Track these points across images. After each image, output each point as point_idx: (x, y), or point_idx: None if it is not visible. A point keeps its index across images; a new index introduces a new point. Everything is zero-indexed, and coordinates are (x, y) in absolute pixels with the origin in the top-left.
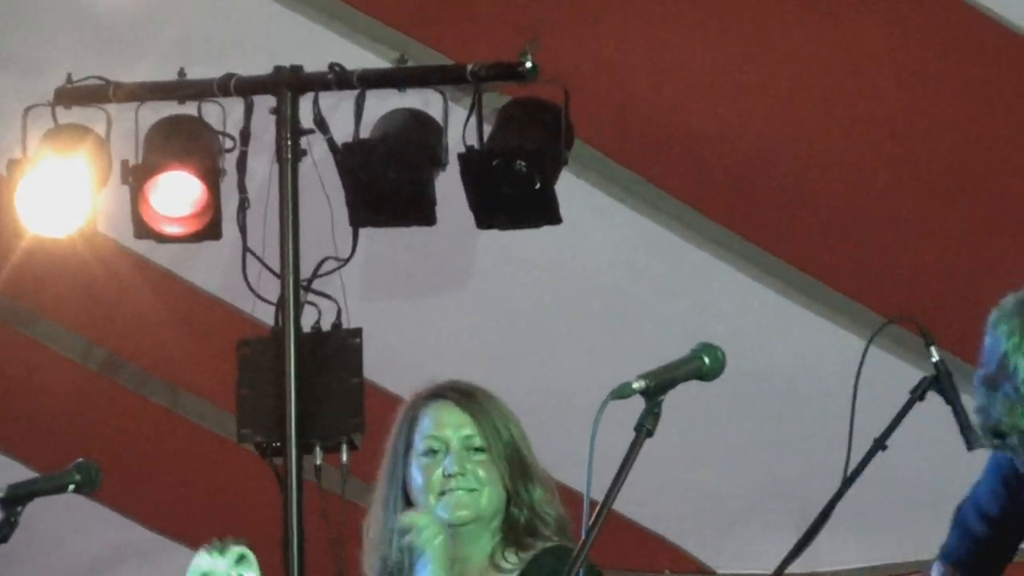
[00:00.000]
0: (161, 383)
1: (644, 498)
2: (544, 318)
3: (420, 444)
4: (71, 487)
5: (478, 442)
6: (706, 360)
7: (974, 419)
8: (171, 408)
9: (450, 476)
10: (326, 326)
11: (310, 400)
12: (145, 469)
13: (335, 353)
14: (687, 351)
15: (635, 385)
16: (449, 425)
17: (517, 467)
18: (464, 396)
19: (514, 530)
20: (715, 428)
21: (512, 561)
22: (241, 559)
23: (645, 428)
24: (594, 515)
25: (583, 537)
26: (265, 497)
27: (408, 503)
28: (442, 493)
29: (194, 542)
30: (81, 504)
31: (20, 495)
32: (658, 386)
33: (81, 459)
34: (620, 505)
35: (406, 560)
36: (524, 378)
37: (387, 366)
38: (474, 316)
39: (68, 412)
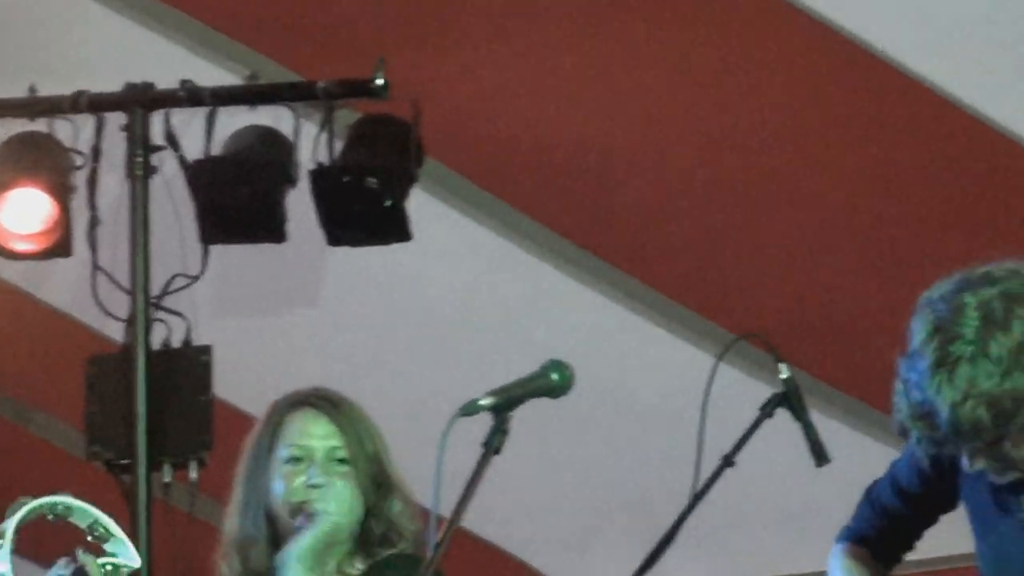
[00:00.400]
0: (9, 400)
1: (494, 515)
2: (395, 335)
3: (283, 451)
4: None
5: (342, 454)
6: (554, 377)
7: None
8: (19, 424)
9: (312, 487)
10: (176, 343)
11: (159, 417)
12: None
13: (185, 370)
14: (537, 368)
15: (483, 402)
16: (315, 435)
17: (379, 479)
18: (332, 406)
19: (368, 541)
20: (565, 445)
21: (358, 567)
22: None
23: (493, 445)
24: (442, 531)
25: (430, 554)
26: (114, 514)
27: (267, 508)
28: (303, 503)
29: (44, 559)
30: None
31: None
32: (506, 403)
33: None
34: (469, 522)
35: (252, 565)
36: (375, 395)
37: (237, 384)
38: (325, 333)
39: None
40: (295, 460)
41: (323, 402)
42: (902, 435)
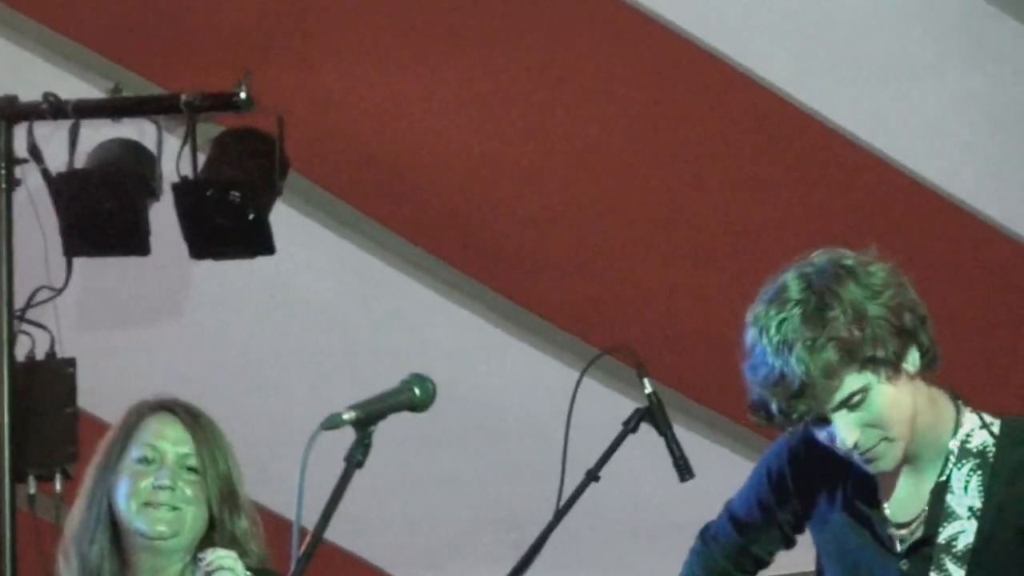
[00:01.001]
0: None
1: (361, 529)
2: (260, 348)
3: (135, 451)
4: None
5: (194, 462)
6: (416, 391)
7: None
8: None
9: (159, 488)
10: (40, 355)
11: (24, 429)
12: None
13: (49, 383)
14: (398, 382)
15: (345, 416)
16: (169, 439)
17: (227, 496)
18: (189, 415)
19: None
20: (431, 458)
21: None
22: None
23: (355, 459)
24: (305, 544)
25: (292, 567)
26: None
27: (111, 506)
28: (147, 504)
29: None
30: None
31: None
32: (368, 417)
33: None
34: (337, 536)
35: (107, 565)
36: (239, 408)
37: (102, 396)
38: (190, 345)
39: None
40: (145, 461)
41: (181, 410)
42: (764, 424)
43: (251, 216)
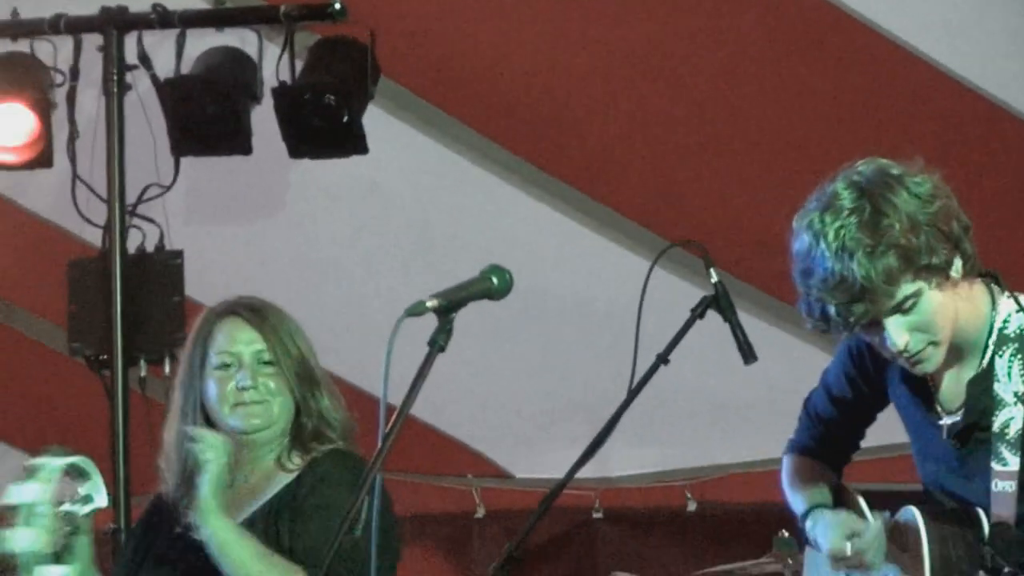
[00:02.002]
0: (5, 302)
1: (447, 408)
2: (352, 241)
3: (214, 358)
4: None
5: (268, 356)
6: (495, 280)
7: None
8: (6, 323)
9: (243, 389)
10: (150, 248)
11: (135, 317)
12: None
13: (158, 273)
14: (485, 271)
15: (428, 304)
16: (241, 341)
17: (305, 378)
18: (255, 313)
19: (301, 435)
20: (512, 344)
21: (296, 463)
22: (79, 474)
23: (438, 343)
24: (391, 421)
25: (379, 443)
26: (94, 406)
27: (204, 412)
28: (236, 405)
29: (29, 446)
30: None
31: None
32: (449, 305)
33: None
34: (425, 414)
35: (189, 464)
36: (332, 296)
37: (207, 285)
38: (288, 239)
39: None
40: (225, 366)
41: (247, 311)
42: (819, 326)
43: (345, 118)
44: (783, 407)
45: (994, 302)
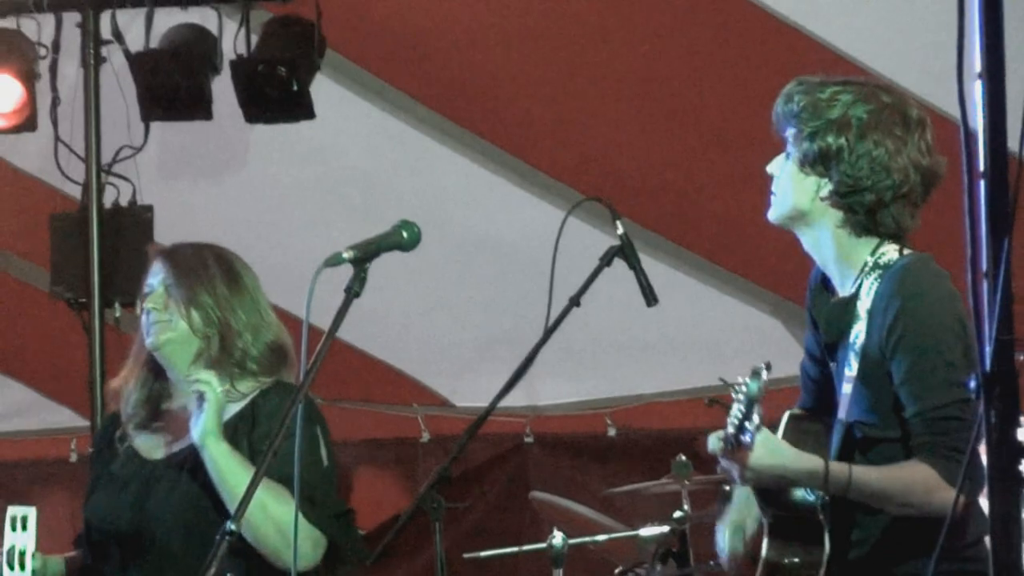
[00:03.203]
0: None
1: (395, 344)
2: (304, 198)
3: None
4: None
5: (172, 289)
6: (404, 234)
7: None
8: (7, 268)
9: (146, 311)
10: (123, 203)
11: (110, 264)
12: None
13: (131, 226)
14: (396, 226)
15: (344, 255)
16: (153, 274)
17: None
18: (168, 254)
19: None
20: (450, 287)
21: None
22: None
23: (354, 290)
24: (314, 354)
25: (302, 377)
26: (74, 341)
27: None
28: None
29: (19, 374)
30: None
31: None
32: (364, 255)
33: None
34: (375, 349)
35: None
36: (286, 247)
37: (175, 236)
38: (247, 195)
39: None
40: (145, 295)
41: (163, 249)
42: None
43: (294, 88)
44: (685, 343)
45: (878, 248)
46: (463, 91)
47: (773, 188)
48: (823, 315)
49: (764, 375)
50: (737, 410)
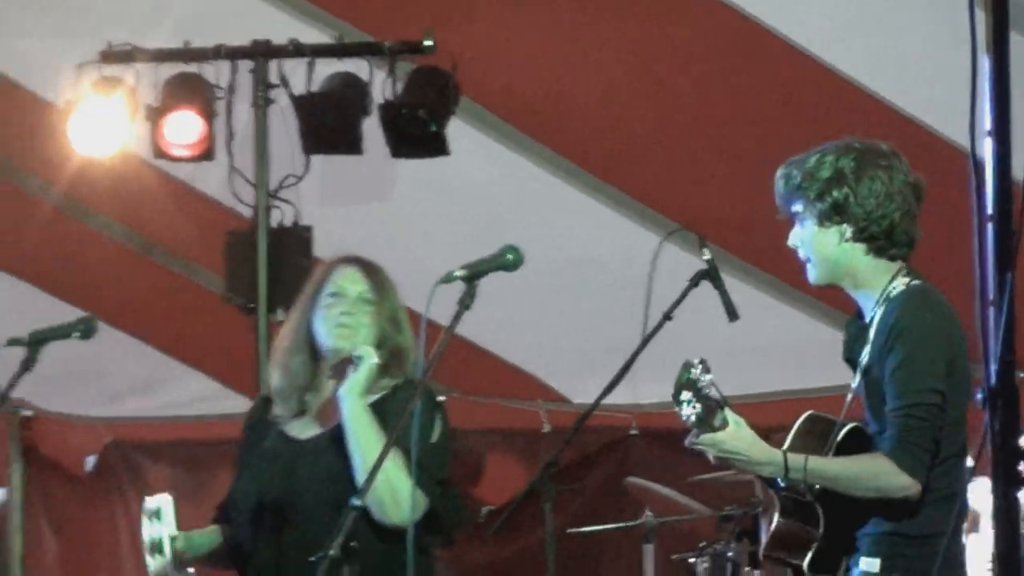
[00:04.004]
0: (179, 259)
1: (522, 348)
2: (438, 221)
3: (329, 289)
4: (75, 335)
5: (368, 297)
6: (509, 257)
7: None
8: (191, 277)
9: (343, 314)
10: (287, 223)
11: (275, 275)
12: (168, 317)
13: (293, 243)
14: (502, 249)
15: (457, 273)
16: (350, 280)
17: (392, 321)
18: (366, 265)
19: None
20: (564, 301)
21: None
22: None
23: (465, 303)
24: (431, 355)
25: (422, 376)
26: (244, 340)
27: (309, 333)
28: (336, 327)
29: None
30: (119, 341)
31: (38, 339)
32: (474, 274)
33: (85, 314)
34: (505, 353)
35: (303, 371)
36: (422, 262)
37: (329, 251)
38: (392, 218)
39: (115, 280)
40: (334, 296)
41: (360, 262)
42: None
43: (433, 128)
44: (759, 352)
45: (894, 278)
46: (576, 133)
47: (802, 257)
48: (849, 336)
49: (696, 370)
50: (696, 396)
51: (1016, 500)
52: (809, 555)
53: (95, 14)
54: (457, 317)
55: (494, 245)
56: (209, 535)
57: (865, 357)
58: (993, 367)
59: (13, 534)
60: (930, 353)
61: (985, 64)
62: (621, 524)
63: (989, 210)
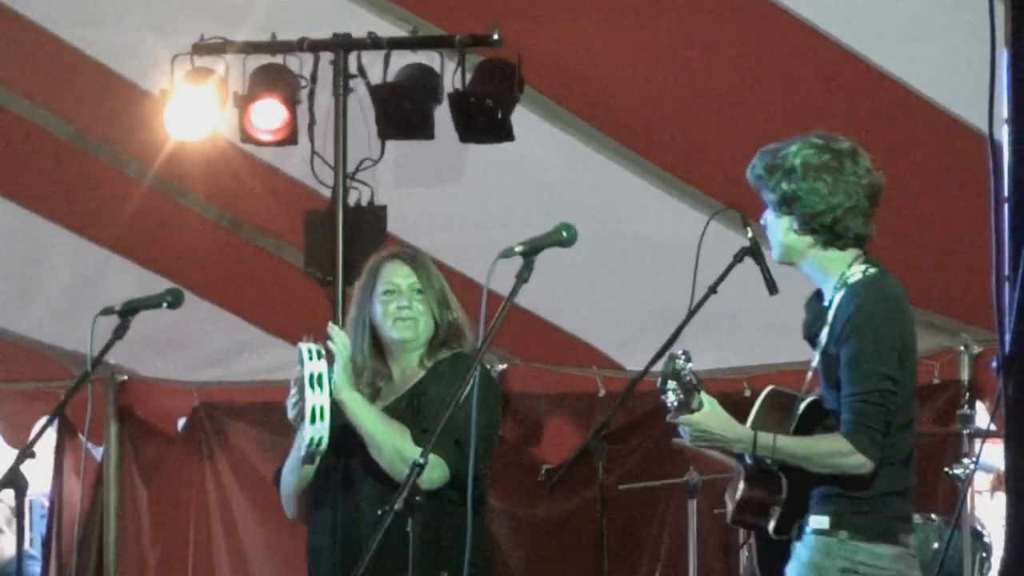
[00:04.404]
0: (267, 236)
1: (580, 318)
2: (504, 203)
3: (381, 287)
4: (164, 304)
5: (418, 287)
6: (564, 234)
7: None
8: (274, 252)
9: (401, 308)
10: (364, 203)
11: (351, 251)
12: (252, 289)
13: (369, 222)
14: (557, 227)
15: (516, 249)
16: (400, 275)
17: (442, 303)
18: (411, 258)
19: (435, 342)
20: (619, 276)
21: (429, 363)
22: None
23: (523, 276)
24: (489, 327)
25: (480, 345)
26: (322, 310)
27: (371, 326)
28: (396, 320)
29: (287, 336)
30: (207, 311)
31: (130, 308)
32: (532, 249)
33: (173, 286)
34: (564, 322)
35: (369, 362)
36: (487, 244)
37: (402, 230)
38: (461, 199)
39: (205, 254)
40: (389, 293)
41: (405, 256)
42: None
43: (499, 116)
44: (797, 325)
45: (851, 265)
46: (632, 121)
47: (768, 236)
48: (809, 316)
49: (680, 361)
50: (679, 384)
51: None
52: (774, 520)
53: (189, 9)
54: (515, 289)
55: (553, 223)
56: None
57: (823, 339)
58: (1008, 336)
59: (109, 488)
60: (883, 342)
61: (1004, 56)
62: (668, 481)
63: (1005, 192)
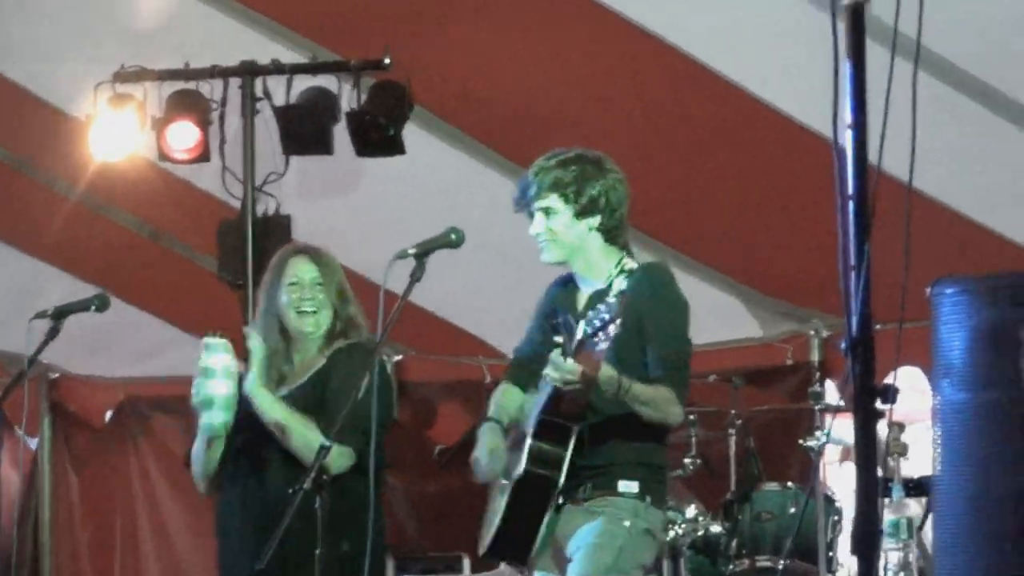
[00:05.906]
0: (184, 245)
1: (465, 313)
2: (396, 208)
3: (287, 280)
4: (92, 308)
5: (320, 281)
6: (453, 237)
7: None
8: (190, 258)
9: (303, 300)
10: (271, 213)
11: (260, 256)
12: (171, 292)
13: (275, 230)
14: (446, 230)
15: (409, 251)
16: (304, 270)
17: (341, 296)
18: (313, 254)
19: (334, 333)
20: (492, 275)
21: (328, 352)
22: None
23: (415, 276)
24: (383, 324)
25: (379, 337)
26: (233, 311)
27: (278, 315)
28: (299, 312)
29: (200, 334)
30: (131, 313)
31: (61, 312)
32: (423, 251)
33: (99, 291)
34: (450, 316)
35: (280, 347)
36: (381, 246)
37: (306, 237)
38: (358, 207)
39: (128, 262)
40: (292, 285)
41: (308, 251)
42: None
43: (391, 133)
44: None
45: (621, 259)
46: (514, 132)
47: (542, 240)
48: (569, 300)
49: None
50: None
51: (874, 431)
52: (562, 477)
53: (110, 41)
54: (409, 288)
55: (442, 228)
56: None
57: (608, 314)
58: (855, 320)
59: (43, 476)
60: (683, 312)
61: (846, 67)
62: None
63: (849, 190)
